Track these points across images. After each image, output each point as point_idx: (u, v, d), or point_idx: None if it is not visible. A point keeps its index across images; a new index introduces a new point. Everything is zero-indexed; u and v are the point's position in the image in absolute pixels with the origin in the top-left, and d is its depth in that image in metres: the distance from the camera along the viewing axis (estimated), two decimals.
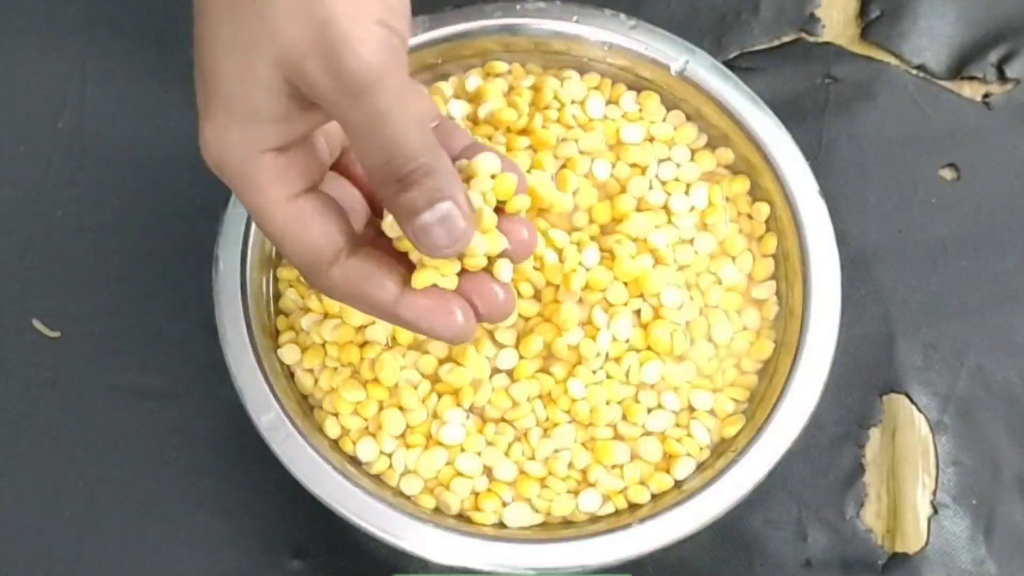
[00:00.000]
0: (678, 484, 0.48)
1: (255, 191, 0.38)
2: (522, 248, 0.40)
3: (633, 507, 0.48)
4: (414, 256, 0.40)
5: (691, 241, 0.51)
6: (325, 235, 0.39)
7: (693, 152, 0.52)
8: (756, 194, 0.52)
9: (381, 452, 0.48)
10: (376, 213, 0.43)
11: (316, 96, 0.36)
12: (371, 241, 0.40)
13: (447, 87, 0.53)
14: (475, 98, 0.52)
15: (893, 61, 0.58)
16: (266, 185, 0.38)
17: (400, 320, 0.40)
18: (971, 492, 0.52)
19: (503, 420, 0.48)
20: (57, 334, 0.54)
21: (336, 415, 0.49)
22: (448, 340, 0.40)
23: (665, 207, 0.51)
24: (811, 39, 0.59)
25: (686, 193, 0.51)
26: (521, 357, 0.49)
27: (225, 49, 0.37)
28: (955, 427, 0.53)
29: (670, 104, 0.53)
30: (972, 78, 0.58)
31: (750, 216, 0.52)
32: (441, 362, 0.49)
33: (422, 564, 0.48)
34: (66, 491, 0.51)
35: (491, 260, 0.40)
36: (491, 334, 0.49)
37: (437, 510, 0.48)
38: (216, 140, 0.38)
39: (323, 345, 0.49)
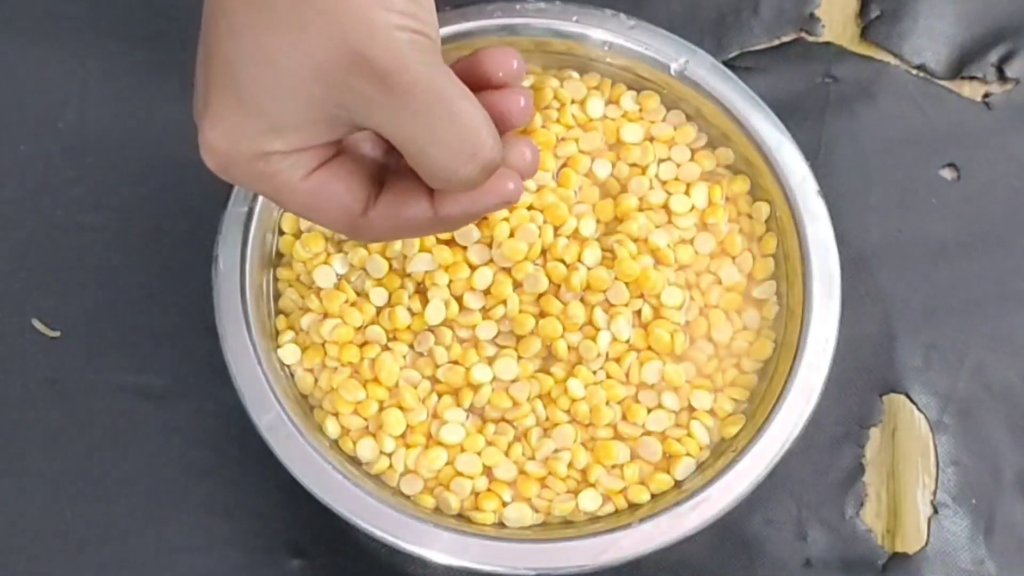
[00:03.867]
0: (678, 484, 0.48)
1: (266, 181, 0.38)
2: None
3: (633, 507, 0.48)
4: None
5: (691, 241, 0.51)
6: (348, 193, 0.39)
7: (693, 152, 0.52)
8: (756, 194, 0.52)
9: (381, 452, 0.48)
10: None
11: (368, 107, 0.36)
12: (392, 165, 0.41)
13: None
14: None
15: (893, 61, 0.58)
16: (276, 174, 0.38)
17: (452, 222, 0.40)
18: (971, 492, 0.52)
19: (503, 420, 0.49)
20: (57, 334, 0.54)
21: (336, 415, 0.49)
22: (502, 207, 0.40)
23: (665, 207, 0.51)
24: (811, 39, 0.59)
25: (686, 193, 0.51)
26: (520, 357, 0.49)
27: (253, 60, 0.36)
28: (955, 427, 0.53)
29: (670, 104, 0.53)
30: (972, 78, 0.58)
31: (750, 216, 0.52)
32: (439, 365, 0.49)
33: (422, 564, 0.48)
34: (66, 491, 0.51)
35: None
36: (492, 340, 0.49)
37: (437, 510, 0.48)
38: (224, 142, 0.38)
39: (323, 345, 0.49)
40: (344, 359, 0.49)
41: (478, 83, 0.40)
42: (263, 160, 0.38)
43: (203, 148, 0.38)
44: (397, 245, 0.49)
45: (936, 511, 0.51)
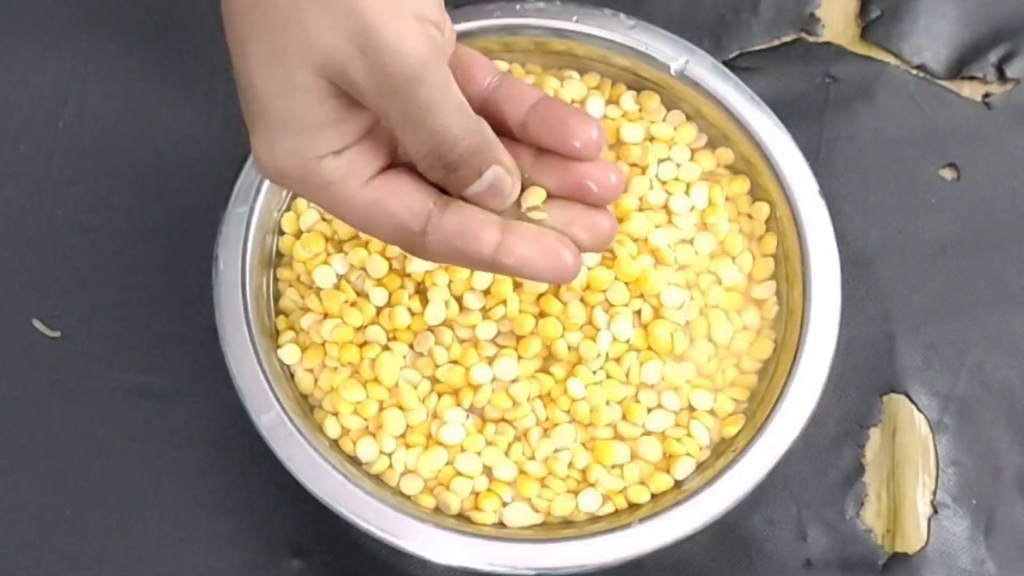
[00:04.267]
0: (678, 484, 0.48)
1: (322, 192, 0.38)
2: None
3: (633, 507, 0.48)
4: None
5: (691, 241, 0.51)
6: (405, 209, 0.38)
7: (693, 152, 0.52)
8: (756, 194, 0.52)
9: (381, 452, 0.48)
10: None
11: (361, 96, 0.36)
12: None
13: None
14: None
15: (893, 61, 0.58)
16: (332, 184, 0.38)
17: (504, 270, 0.39)
18: (971, 492, 0.52)
19: (503, 420, 0.49)
20: (57, 334, 0.54)
21: (336, 415, 0.49)
22: (555, 281, 0.40)
23: (665, 207, 0.51)
24: (811, 39, 0.58)
25: (686, 193, 0.51)
26: (520, 357, 0.49)
27: (259, 65, 0.37)
28: (955, 427, 0.53)
29: (670, 104, 0.53)
30: (972, 78, 0.58)
31: (750, 216, 0.52)
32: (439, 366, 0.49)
33: (422, 564, 0.48)
34: (66, 491, 0.51)
35: None
36: (492, 340, 0.49)
37: (437, 510, 0.48)
38: (268, 154, 0.38)
39: (323, 345, 0.49)
40: (344, 359, 0.49)
41: (548, 139, 0.39)
42: (311, 168, 0.37)
43: (256, 164, 0.38)
44: None
45: (936, 511, 0.51)
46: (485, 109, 0.40)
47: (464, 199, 0.39)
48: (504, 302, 0.49)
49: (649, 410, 0.49)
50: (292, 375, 0.50)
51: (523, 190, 0.40)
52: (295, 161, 0.37)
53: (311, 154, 0.37)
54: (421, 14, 0.36)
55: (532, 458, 0.48)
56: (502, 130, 0.40)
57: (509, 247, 0.39)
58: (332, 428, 0.48)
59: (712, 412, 0.49)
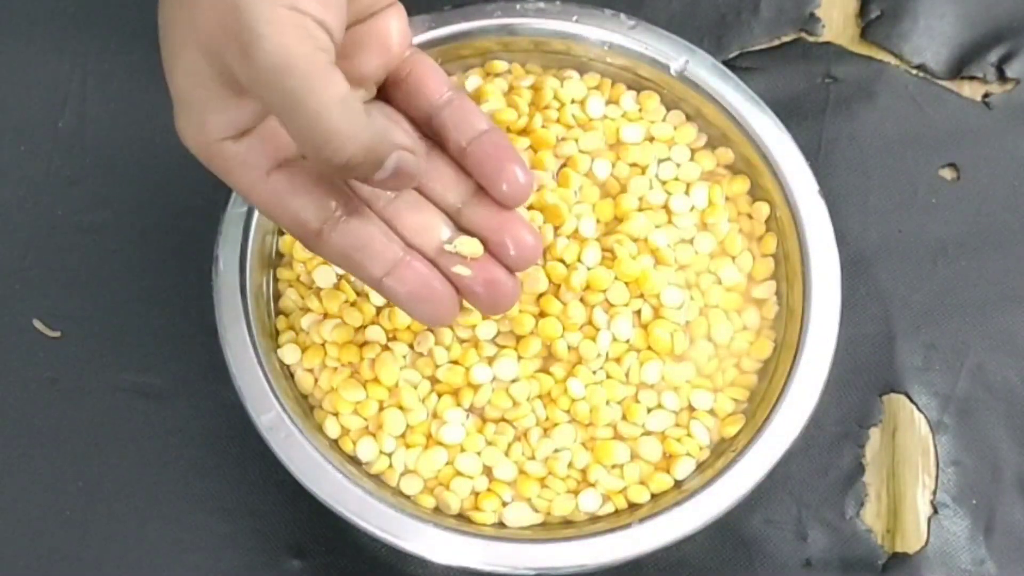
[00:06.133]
0: (678, 484, 0.48)
1: (226, 175, 0.38)
2: (524, 257, 0.40)
3: (633, 507, 0.48)
4: None
5: (691, 241, 0.51)
6: (305, 208, 0.38)
7: (693, 152, 0.52)
8: (756, 194, 0.52)
9: (381, 452, 0.48)
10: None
11: (242, 82, 0.36)
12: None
13: None
14: (475, 98, 0.52)
15: (893, 61, 0.58)
16: (234, 169, 0.38)
17: (391, 298, 0.40)
18: (971, 492, 0.52)
19: (503, 420, 0.49)
20: (57, 334, 0.54)
21: (336, 415, 0.49)
22: (429, 324, 0.40)
23: (665, 207, 0.51)
24: (811, 39, 0.59)
25: (686, 193, 0.51)
26: (520, 357, 0.49)
27: (163, 42, 0.37)
28: (955, 427, 0.53)
29: (670, 104, 0.53)
30: (972, 78, 0.58)
31: (750, 216, 0.52)
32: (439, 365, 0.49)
33: (422, 564, 0.48)
34: (66, 491, 0.51)
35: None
36: (492, 340, 0.49)
37: (437, 510, 0.48)
38: (180, 129, 0.38)
39: (323, 345, 0.49)
40: (344, 359, 0.49)
41: (482, 175, 0.40)
42: (214, 149, 0.37)
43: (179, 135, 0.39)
44: None
45: (936, 511, 0.51)
46: (431, 124, 0.40)
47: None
48: None
49: (649, 410, 0.49)
50: (292, 375, 0.50)
51: (458, 228, 0.41)
52: (200, 140, 0.37)
53: (211, 136, 0.37)
54: (295, 5, 0.35)
55: (532, 458, 0.48)
56: (444, 150, 0.40)
57: (399, 276, 0.39)
58: (332, 428, 0.48)
59: (712, 412, 0.49)
